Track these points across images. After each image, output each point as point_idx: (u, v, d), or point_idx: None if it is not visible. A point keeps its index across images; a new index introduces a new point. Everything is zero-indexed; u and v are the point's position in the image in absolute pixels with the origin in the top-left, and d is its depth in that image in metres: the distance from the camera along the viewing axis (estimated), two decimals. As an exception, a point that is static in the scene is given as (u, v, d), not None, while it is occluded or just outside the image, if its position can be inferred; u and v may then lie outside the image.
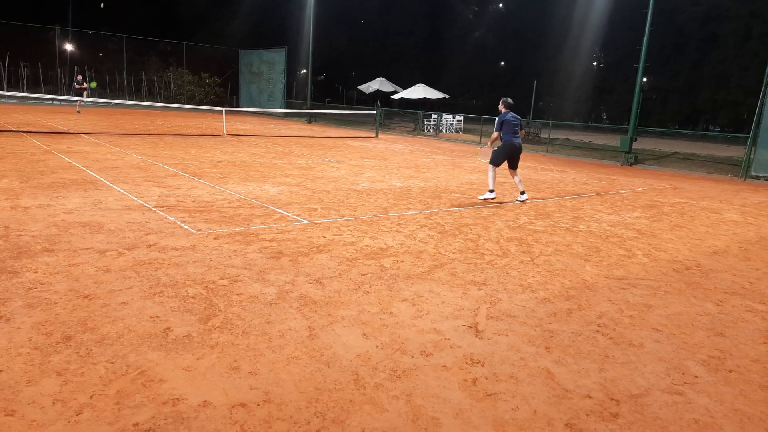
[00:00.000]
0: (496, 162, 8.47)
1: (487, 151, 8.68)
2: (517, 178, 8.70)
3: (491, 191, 8.54)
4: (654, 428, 2.57)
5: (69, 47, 35.97)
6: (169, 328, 3.28)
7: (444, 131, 27.55)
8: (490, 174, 8.54)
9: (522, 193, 8.67)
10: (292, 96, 39.93)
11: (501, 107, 8.42)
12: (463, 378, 2.92)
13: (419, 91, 34.21)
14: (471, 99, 62.31)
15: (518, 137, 8.39)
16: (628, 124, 17.91)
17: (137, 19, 43.09)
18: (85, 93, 23.25)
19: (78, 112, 23.47)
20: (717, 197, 11.17)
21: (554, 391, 2.86)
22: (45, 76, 34.04)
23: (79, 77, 23.45)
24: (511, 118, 8.31)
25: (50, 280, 3.92)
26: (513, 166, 8.59)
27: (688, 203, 10.02)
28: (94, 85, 23.68)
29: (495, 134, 8.49)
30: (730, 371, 3.23)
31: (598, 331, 3.70)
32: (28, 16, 32.60)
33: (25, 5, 39.38)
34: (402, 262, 4.99)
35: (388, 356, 3.12)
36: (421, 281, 4.48)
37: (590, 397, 2.81)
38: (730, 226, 7.92)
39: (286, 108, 33.05)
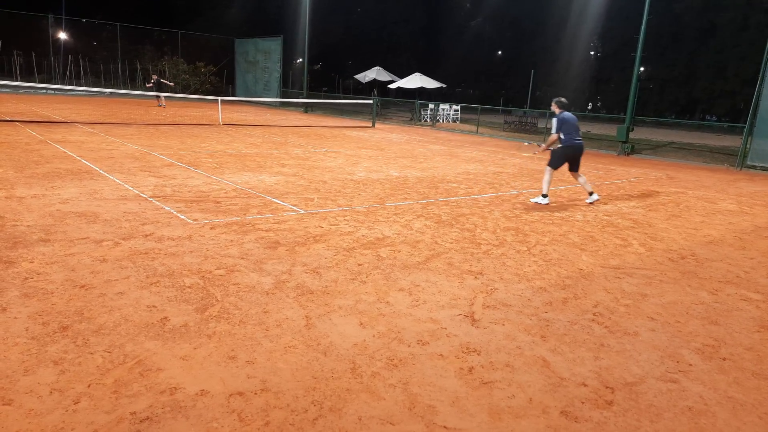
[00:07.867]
0: (554, 165, 7.83)
1: (530, 148, 7.82)
2: (581, 179, 8.07)
3: (545, 195, 7.84)
4: (648, 416, 2.60)
5: (63, 36, 35.60)
6: (166, 318, 3.28)
7: (441, 121, 27.48)
8: (546, 177, 7.85)
9: (591, 193, 8.09)
10: (288, 85, 39.68)
11: (554, 107, 7.80)
12: (459, 366, 2.94)
13: (416, 81, 34.04)
14: (468, 89, 62.15)
15: (580, 137, 7.81)
16: (625, 114, 17.90)
17: (131, 7, 42.67)
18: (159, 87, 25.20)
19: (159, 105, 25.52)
20: (713, 187, 11.21)
21: (550, 379, 2.88)
22: (39, 64, 33.72)
23: (155, 77, 25.44)
24: (569, 118, 7.69)
25: (46, 270, 3.91)
26: (574, 168, 7.96)
27: (684, 193, 10.04)
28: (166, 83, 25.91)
29: (554, 136, 7.72)
30: (724, 359, 3.26)
31: (593, 320, 3.72)
32: (21, 3, 32.20)
33: (17, -7, 38.88)
34: (399, 251, 5.00)
35: (385, 345, 3.13)
36: (418, 271, 4.49)
37: (585, 385, 2.83)
38: (726, 216, 7.95)
39: (282, 97, 32.85)
